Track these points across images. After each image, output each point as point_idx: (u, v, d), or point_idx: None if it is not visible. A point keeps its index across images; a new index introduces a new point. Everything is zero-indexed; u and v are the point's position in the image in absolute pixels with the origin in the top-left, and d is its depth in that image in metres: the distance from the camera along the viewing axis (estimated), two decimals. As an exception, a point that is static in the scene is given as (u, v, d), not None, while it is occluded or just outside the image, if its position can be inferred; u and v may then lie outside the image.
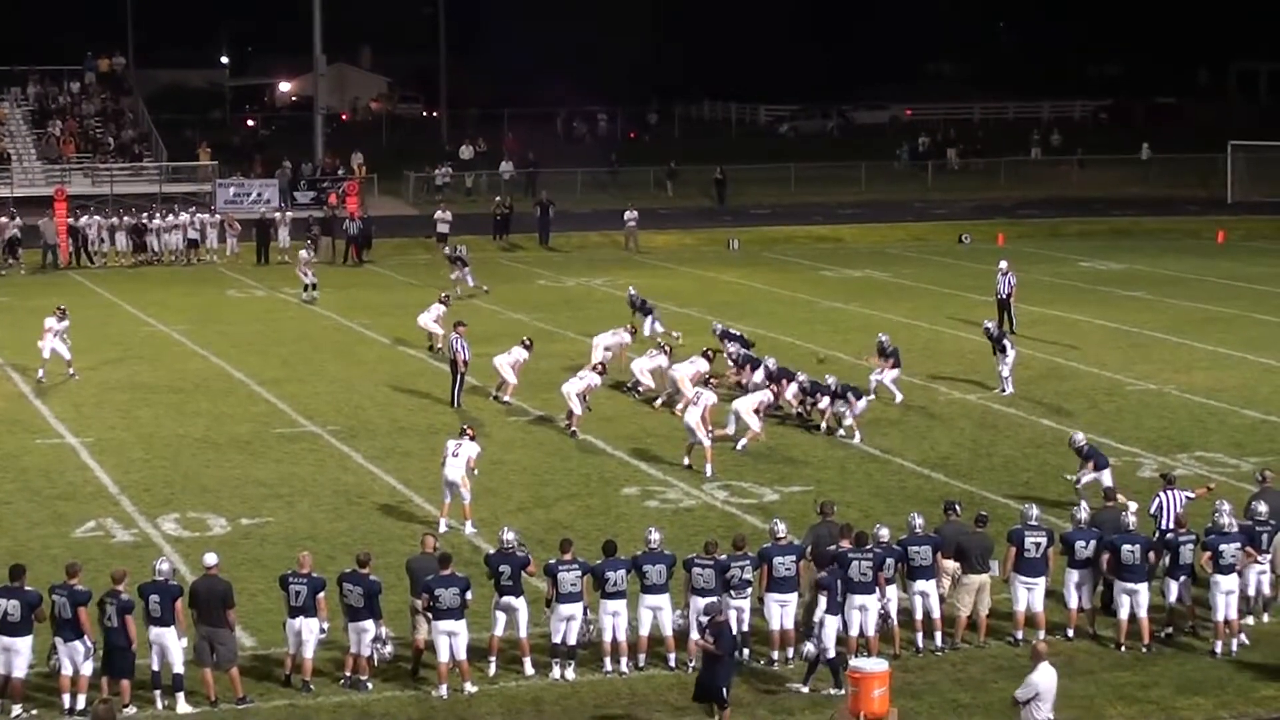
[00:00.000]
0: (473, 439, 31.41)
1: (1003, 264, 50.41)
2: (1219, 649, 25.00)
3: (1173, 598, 25.63)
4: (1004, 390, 41.67)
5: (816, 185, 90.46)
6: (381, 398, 41.04)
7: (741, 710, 22.88)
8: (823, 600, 23.73)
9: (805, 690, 23.45)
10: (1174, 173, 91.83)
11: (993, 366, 41.89)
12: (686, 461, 34.85)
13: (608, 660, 24.29)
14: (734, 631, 23.38)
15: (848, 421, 37.35)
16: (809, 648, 23.60)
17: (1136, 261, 65.38)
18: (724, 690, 22.13)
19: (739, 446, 35.91)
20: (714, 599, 23.55)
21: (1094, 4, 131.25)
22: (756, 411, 36.15)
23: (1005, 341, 42.18)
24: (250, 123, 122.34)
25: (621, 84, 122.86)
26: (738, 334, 43.19)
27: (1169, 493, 27.34)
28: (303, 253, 59.27)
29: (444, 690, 23.51)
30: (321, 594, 23.66)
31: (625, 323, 45.45)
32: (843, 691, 22.71)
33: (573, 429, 37.74)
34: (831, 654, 23.49)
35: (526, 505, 32.30)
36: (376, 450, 36.42)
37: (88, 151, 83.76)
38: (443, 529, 30.25)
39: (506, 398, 40.54)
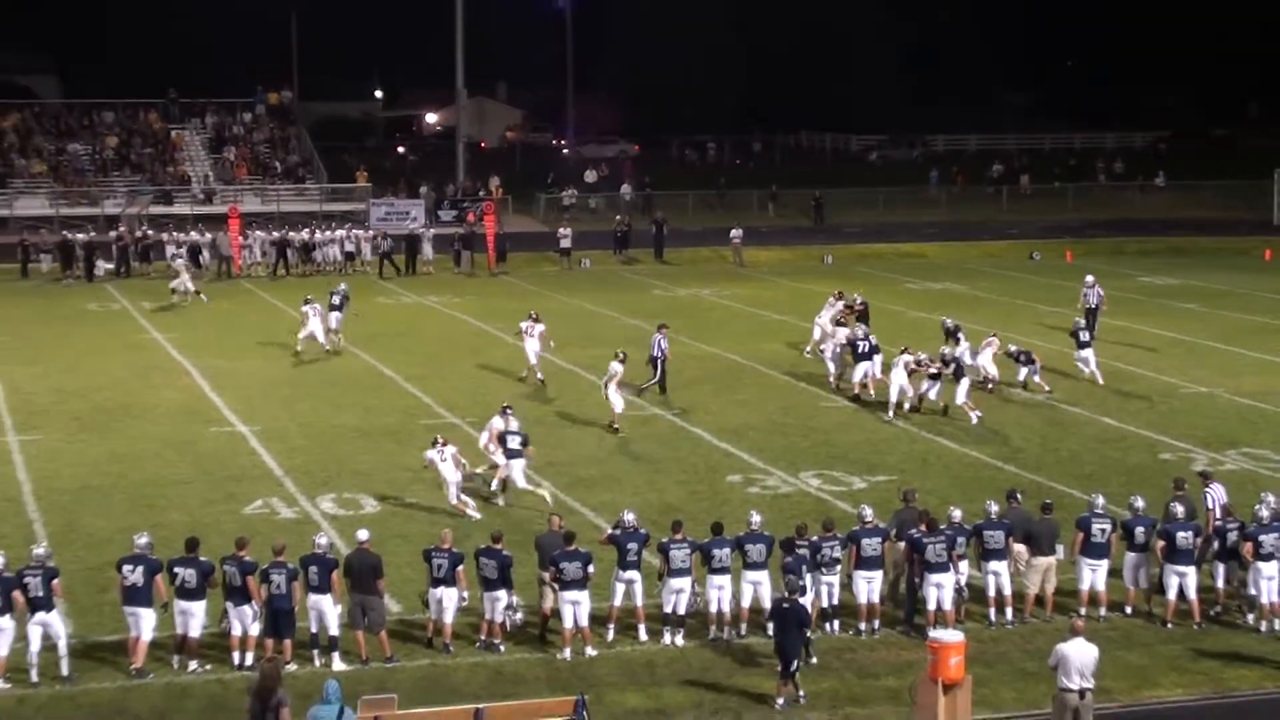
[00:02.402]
0: (446, 444, 30.85)
1: (1089, 278, 50.42)
2: (1263, 629, 24.77)
3: (1220, 581, 25.42)
4: (1097, 380, 42.34)
5: (902, 206, 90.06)
6: (509, 391, 41.19)
7: (830, 674, 22.89)
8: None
9: (814, 661, 23.29)
10: (1226, 197, 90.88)
11: (1059, 370, 41.57)
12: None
13: (713, 628, 24.32)
14: (825, 605, 23.41)
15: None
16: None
17: (1191, 277, 64.67)
18: (795, 662, 22.07)
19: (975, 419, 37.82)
20: (790, 576, 23.21)
21: (1157, 44, 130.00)
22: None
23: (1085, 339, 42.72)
24: (400, 149, 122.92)
25: (728, 116, 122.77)
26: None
27: (1211, 487, 27.13)
28: (179, 262, 60.03)
29: (568, 653, 23.61)
30: (460, 567, 23.80)
31: (729, 332, 45.30)
32: (813, 661, 22.98)
33: (615, 425, 37.41)
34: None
35: (641, 490, 32.32)
36: (509, 440, 36.53)
37: (257, 174, 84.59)
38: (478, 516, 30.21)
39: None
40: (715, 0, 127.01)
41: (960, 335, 41.75)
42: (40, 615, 22.56)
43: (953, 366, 38.70)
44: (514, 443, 31.48)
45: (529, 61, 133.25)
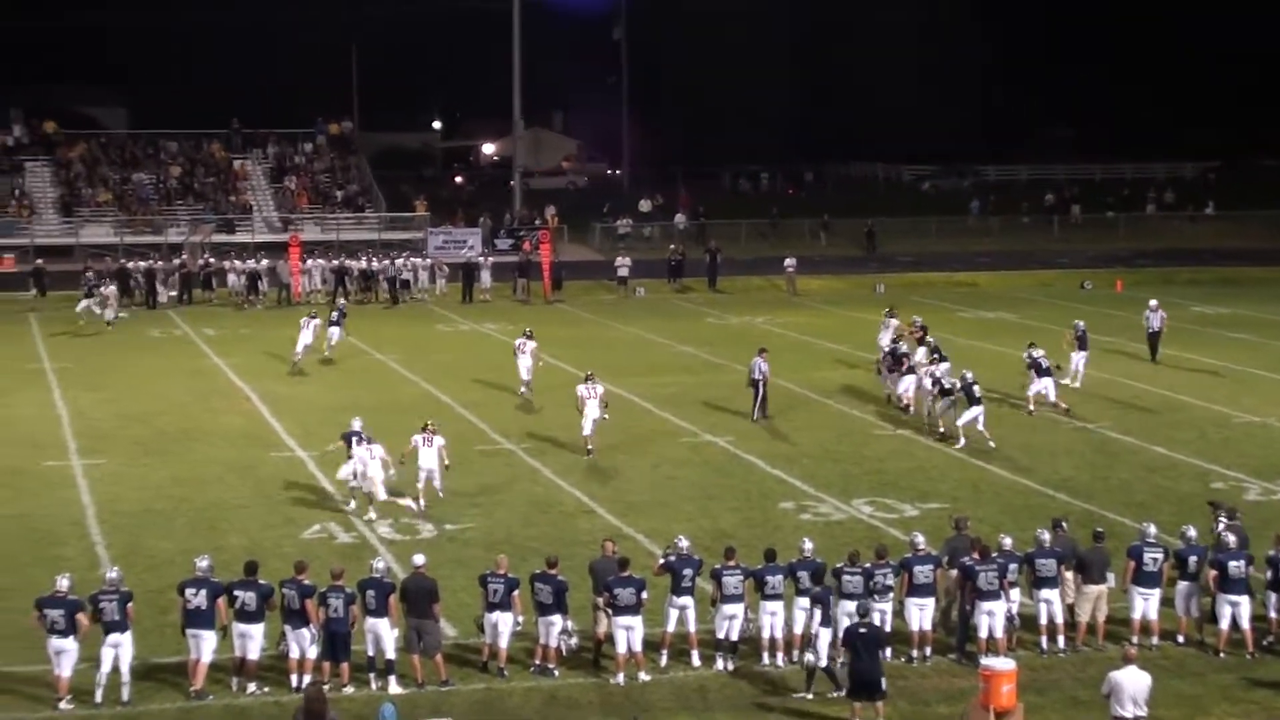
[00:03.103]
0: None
1: (1152, 302, 50.73)
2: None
3: (1274, 611, 25.14)
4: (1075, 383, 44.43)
5: (954, 236, 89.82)
6: (566, 420, 41.11)
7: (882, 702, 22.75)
8: (817, 614, 23.31)
9: (810, 697, 23.00)
10: (1276, 227, 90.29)
11: (1113, 396, 41.32)
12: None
13: (765, 654, 24.17)
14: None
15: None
16: (808, 658, 23.23)
17: (1241, 306, 64.21)
18: (881, 682, 21.94)
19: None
20: (864, 599, 23.35)
21: (1207, 75, 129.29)
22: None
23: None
24: (458, 179, 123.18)
25: (781, 146, 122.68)
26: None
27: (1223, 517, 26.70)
28: (110, 288, 60.06)
29: (621, 678, 23.51)
30: (516, 591, 23.74)
31: (782, 359, 45.21)
32: (842, 692, 22.63)
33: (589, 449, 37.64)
34: (824, 663, 23.06)
35: (694, 516, 32.21)
36: (563, 465, 36.51)
37: (318, 203, 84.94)
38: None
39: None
40: (769, 32, 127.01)
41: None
42: (114, 637, 22.62)
43: (963, 389, 38.76)
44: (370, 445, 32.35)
45: (585, 92, 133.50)
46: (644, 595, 23.65)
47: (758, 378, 41.41)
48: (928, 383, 40.44)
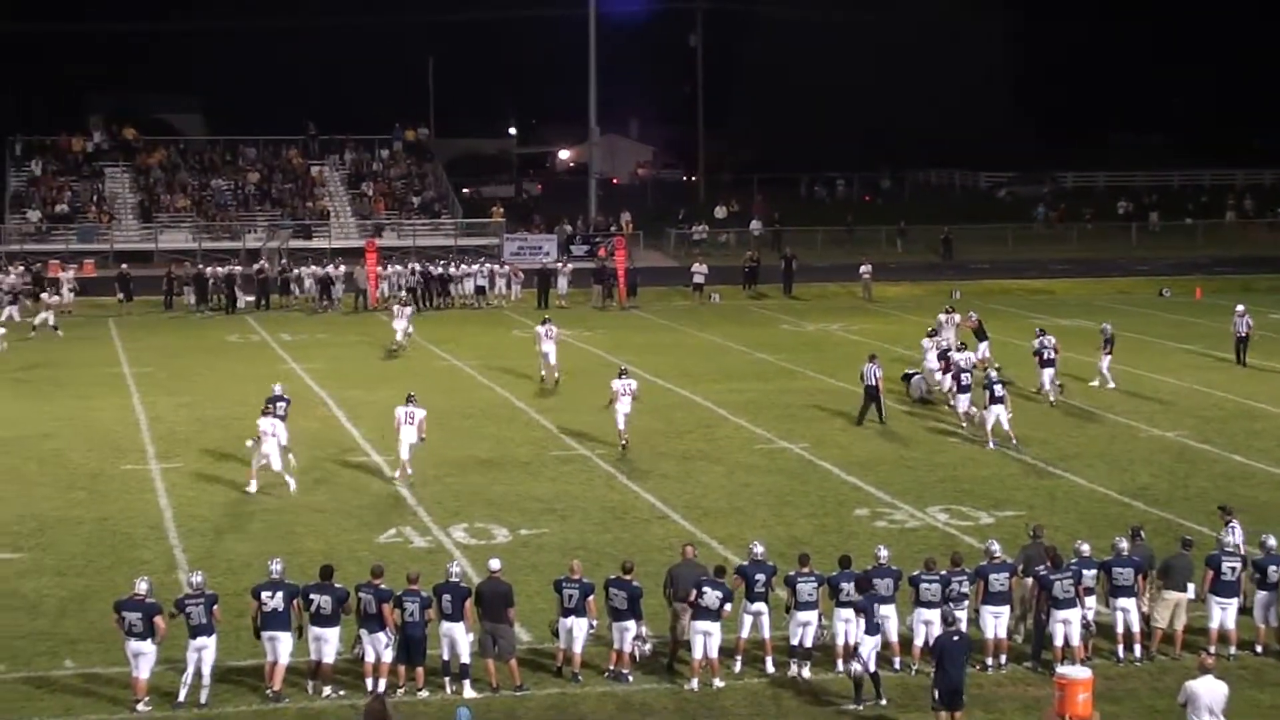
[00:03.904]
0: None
1: (1239, 307, 50.80)
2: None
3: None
4: (1107, 384, 45.77)
5: (1032, 243, 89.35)
6: (641, 426, 41.16)
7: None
8: (861, 622, 23.25)
9: (861, 709, 22.86)
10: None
11: (1192, 404, 41.06)
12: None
13: (839, 661, 24.11)
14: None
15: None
16: (855, 667, 23.16)
17: (1322, 314, 63.67)
18: (963, 693, 21.86)
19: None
20: (947, 606, 23.25)
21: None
22: None
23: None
24: (534, 185, 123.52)
25: (857, 153, 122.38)
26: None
27: (1234, 524, 26.56)
28: (55, 299, 60.62)
29: (695, 684, 23.51)
30: (591, 597, 23.79)
31: (856, 366, 45.19)
32: (884, 701, 22.65)
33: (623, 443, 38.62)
34: (872, 668, 22.95)
35: (769, 523, 32.18)
36: (638, 471, 36.55)
37: (394, 209, 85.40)
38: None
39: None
40: (844, 39, 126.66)
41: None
42: (200, 640, 22.80)
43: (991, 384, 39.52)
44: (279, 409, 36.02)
45: (660, 99, 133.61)
46: (727, 607, 23.63)
47: (872, 383, 41.53)
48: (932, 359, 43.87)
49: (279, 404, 36.55)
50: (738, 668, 24.09)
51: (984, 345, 47.18)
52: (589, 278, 69.40)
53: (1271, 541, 25.27)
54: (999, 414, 38.74)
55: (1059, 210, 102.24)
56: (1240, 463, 37.42)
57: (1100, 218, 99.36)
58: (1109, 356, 46.48)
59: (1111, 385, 46.00)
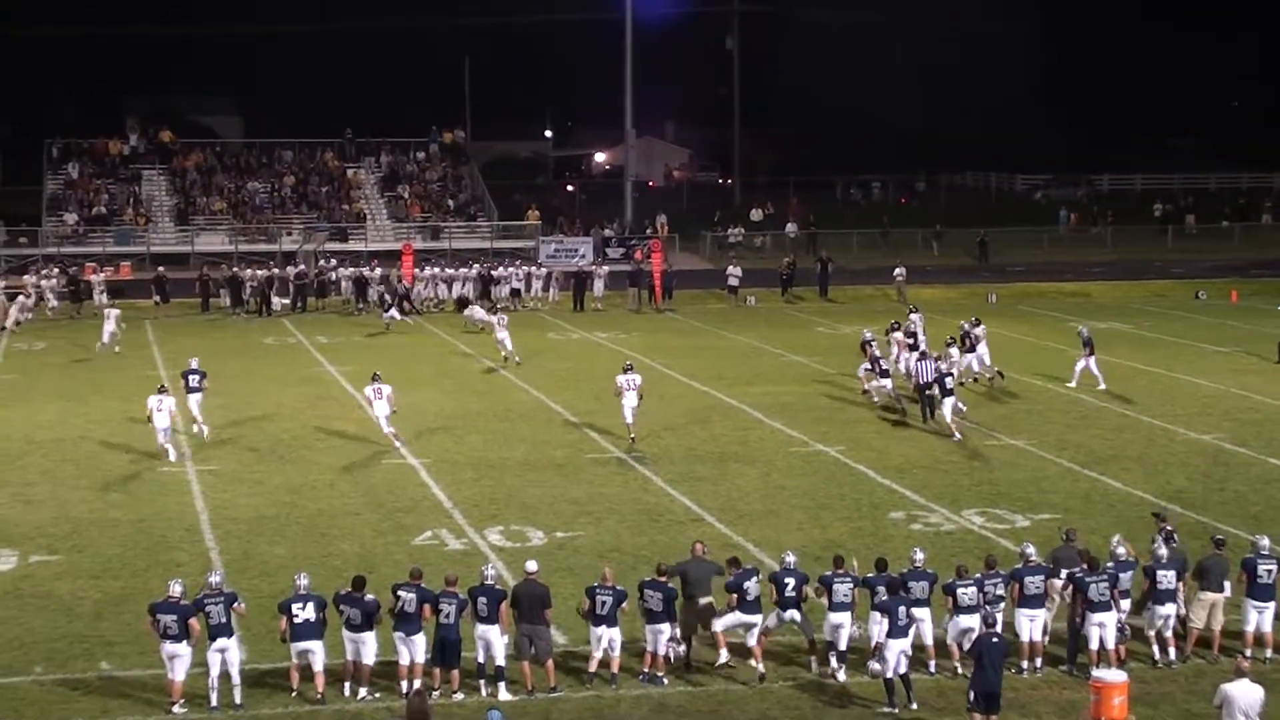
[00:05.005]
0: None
1: None
2: None
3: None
4: (1098, 385, 46.02)
5: (1068, 246, 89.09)
6: (678, 429, 41.18)
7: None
8: (885, 623, 23.14)
9: (896, 711, 22.78)
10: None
11: (1228, 408, 40.89)
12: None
13: (873, 663, 24.05)
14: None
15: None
16: (874, 666, 23.11)
17: (1361, 317, 63.32)
18: (999, 696, 21.80)
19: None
20: (987, 609, 23.18)
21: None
22: None
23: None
24: (569, 188, 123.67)
25: (893, 156, 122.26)
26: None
27: (1165, 528, 26.44)
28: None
29: (725, 656, 23.76)
30: (624, 604, 23.78)
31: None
32: (914, 705, 22.60)
33: (632, 436, 39.56)
34: (889, 674, 22.89)
35: (805, 526, 32.16)
36: (673, 475, 36.54)
37: (430, 212, 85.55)
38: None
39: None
40: (881, 42, 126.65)
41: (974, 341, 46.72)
42: (221, 641, 22.83)
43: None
44: (193, 381, 40.44)
45: (696, 102, 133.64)
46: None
47: (924, 380, 41.91)
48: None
49: (192, 377, 40.65)
50: (760, 669, 24.02)
51: (969, 357, 46.82)
52: (624, 280, 69.44)
53: (1310, 544, 25.19)
54: (949, 405, 40.37)
55: (1078, 214, 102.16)
56: (1277, 466, 37.26)
57: (1136, 220, 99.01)
58: (1091, 358, 46.61)
59: (1102, 386, 46.09)
